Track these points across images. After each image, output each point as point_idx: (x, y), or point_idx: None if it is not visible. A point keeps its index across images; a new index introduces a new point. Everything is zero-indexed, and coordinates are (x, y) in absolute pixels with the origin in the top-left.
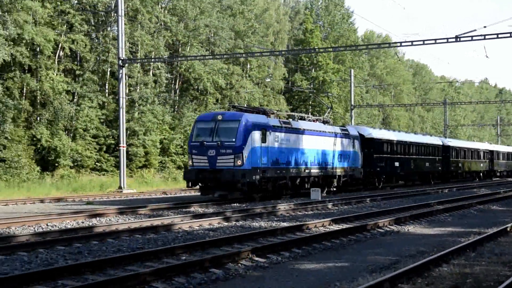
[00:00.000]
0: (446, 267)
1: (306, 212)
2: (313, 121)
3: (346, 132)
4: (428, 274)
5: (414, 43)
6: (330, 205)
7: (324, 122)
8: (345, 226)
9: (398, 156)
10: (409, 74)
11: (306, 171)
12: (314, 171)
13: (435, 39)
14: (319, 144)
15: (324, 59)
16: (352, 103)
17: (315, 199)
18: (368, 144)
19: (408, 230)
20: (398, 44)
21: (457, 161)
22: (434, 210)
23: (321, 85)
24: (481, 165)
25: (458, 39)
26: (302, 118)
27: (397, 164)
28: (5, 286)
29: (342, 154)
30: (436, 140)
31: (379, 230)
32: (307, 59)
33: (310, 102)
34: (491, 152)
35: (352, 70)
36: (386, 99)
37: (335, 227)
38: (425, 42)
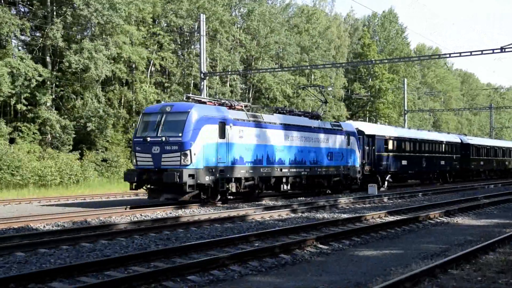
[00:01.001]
0: (492, 255)
1: (364, 205)
2: (299, 115)
3: (339, 128)
4: (475, 261)
5: (462, 54)
6: (385, 199)
7: (313, 117)
8: (399, 217)
9: (406, 154)
10: (458, 82)
11: (283, 170)
12: (294, 170)
13: (482, 50)
14: (301, 141)
15: (380, 69)
16: (406, 108)
17: (372, 193)
18: (370, 142)
19: (457, 221)
20: (447, 55)
21: (478, 159)
22: (481, 204)
23: (377, 93)
24: (506, 163)
25: (503, 50)
26: (285, 112)
27: (405, 162)
28: (109, 266)
29: (334, 152)
30: (453, 138)
31: (430, 221)
32: (365, 70)
33: (368, 108)
34: None
35: (405, 79)
36: (436, 104)
37: (390, 218)
38: (472, 53)
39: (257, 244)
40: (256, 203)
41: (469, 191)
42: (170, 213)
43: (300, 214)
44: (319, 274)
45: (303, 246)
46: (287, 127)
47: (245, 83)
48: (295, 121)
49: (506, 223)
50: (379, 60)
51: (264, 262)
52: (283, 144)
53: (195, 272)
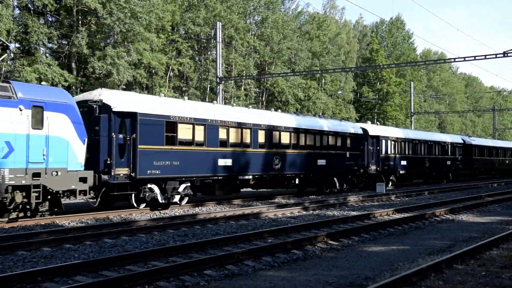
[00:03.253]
0: (496, 251)
1: (373, 203)
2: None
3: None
4: (480, 256)
5: (466, 58)
6: (393, 197)
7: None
8: (406, 215)
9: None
10: (462, 85)
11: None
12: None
13: (485, 55)
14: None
15: (388, 73)
16: (412, 110)
17: (380, 192)
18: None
19: (461, 218)
20: (452, 60)
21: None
22: (484, 202)
23: (385, 96)
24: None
25: (506, 55)
26: None
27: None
28: (129, 261)
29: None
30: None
31: (436, 218)
32: (373, 74)
33: (376, 110)
34: None
35: (412, 83)
36: (442, 106)
37: (398, 215)
38: (476, 57)
39: (270, 240)
40: (269, 201)
41: (473, 190)
42: (188, 211)
43: (311, 211)
44: (329, 269)
45: (314, 242)
46: None
47: (259, 87)
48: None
49: (509, 220)
50: (386, 65)
51: (277, 258)
52: None
53: (212, 267)
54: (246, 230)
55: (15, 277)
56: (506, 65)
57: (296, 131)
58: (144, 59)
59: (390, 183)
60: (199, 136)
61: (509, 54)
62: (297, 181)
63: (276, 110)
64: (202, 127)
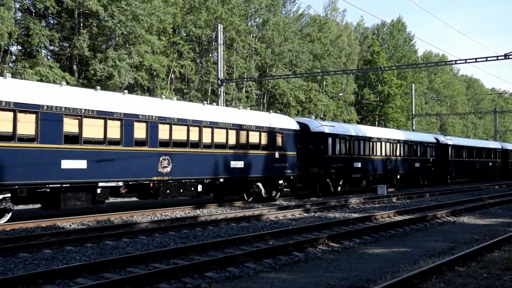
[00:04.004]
0: (498, 253)
1: (374, 205)
2: None
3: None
4: (481, 258)
5: (467, 60)
6: (394, 199)
7: None
8: (407, 217)
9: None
10: (463, 87)
11: None
12: None
13: (486, 57)
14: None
15: (389, 75)
16: (413, 112)
17: (381, 194)
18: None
19: (463, 220)
20: (453, 62)
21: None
22: (486, 204)
23: (386, 98)
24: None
25: (507, 57)
26: None
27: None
28: (130, 263)
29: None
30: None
31: (437, 220)
32: (374, 76)
33: (377, 112)
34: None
35: (413, 85)
36: (443, 108)
37: (399, 217)
38: (477, 59)
39: (271, 242)
40: (271, 203)
41: (475, 192)
42: (189, 213)
43: (312, 213)
44: (330, 271)
45: (315, 244)
46: None
47: (260, 89)
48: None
49: (511, 222)
50: (388, 67)
51: (278, 260)
52: None
53: (213, 269)
54: (247, 232)
55: (16, 279)
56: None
57: (198, 124)
58: (146, 61)
59: (340, 188)
60: None
61: (510, 56)
62: (199, 188)
63: (277, 113)
64: None
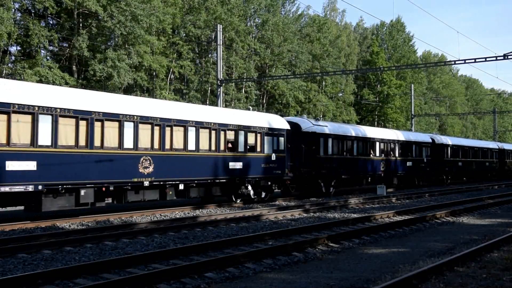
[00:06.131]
0: (497, 253)
1: (373, 205)
2: None
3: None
4: (480, 259)
5: (466, 61)
6: (393, 199)
7: None
8: (407, 217)
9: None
10: (462, 87)
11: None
12: None
13: (485, 57)
14: None
15: (388, 76)
16: (413, 113)
17: (381, 194)
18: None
19: (462, 221)
20: (452, 62)
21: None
22: (485, 204)
23: (386, 98)
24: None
25: (506, 57)
26: None
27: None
28: (130, 263)
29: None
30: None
31: (436, 220)
32: (374, 76)
33: (376, 113)
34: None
35: (412, 85)
36: (442, 109)
37: (399, 218)
38: (476, 60)
39: (271, 243)
40: (270, 203)
41: (474, 192)
42: (188, 213)
43: (312, 214)
44: (330, 271)
45: (315, 245)
46: None
47: (260, 89)
48: None
49: (510, 222)
50: (387, 67)
51: (278, 260)
52: None
53: (212, 269)
54: (247, 233)
55: (16, 280)
56: (507, 67)
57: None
58: (145, 61)
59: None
60: None
61: (509, 57)
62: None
63: (276, 113)
64: None
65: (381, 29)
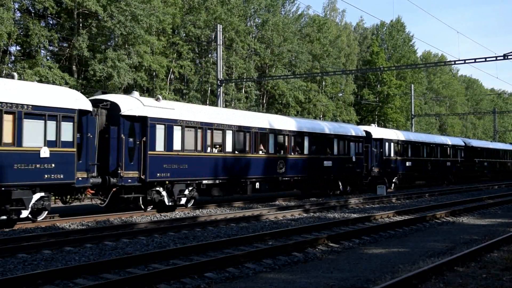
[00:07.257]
0: (497, 253)
1: (373, 205)
2: None
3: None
4: (480, 259)
5: (466, 61)
6: (394, 199)
7: None
8: (407, 217)
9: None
10: (462, 87)
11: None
12: None
13: (485, 57)
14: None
15: (388, 76)
16: (413, 113)
17: (381, 194)
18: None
19: (462, 221)
20: (452, 62)
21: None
22: (485, 204)
23: (386, 98)
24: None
25: (506, 57)
26: None
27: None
28: (130, 264)
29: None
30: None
31: (436, 221)
32: (374, 77)
33: (376, 113)
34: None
35: (412, 85)
36: (442, 109)
37: (399, 218)
38: (476, 60)
39: (271, 243)
40: (270, 203)
41: (474, 192)
42: (188, 213)
43: (312, 214)
44: (330, 271)
45: (315, 245)
46: None
47: (260, 89)
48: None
49: (510, 222)
50: (387, 67)
51: (278, 260)
52: None
53: (212, 269)
54: (246, 233)
55: (16, 280)
56: (507, 67)
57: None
58: (145, 61)
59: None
60: None
61: (509, 57)
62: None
63: (276, 113)
64: None
65: (381, 29)
